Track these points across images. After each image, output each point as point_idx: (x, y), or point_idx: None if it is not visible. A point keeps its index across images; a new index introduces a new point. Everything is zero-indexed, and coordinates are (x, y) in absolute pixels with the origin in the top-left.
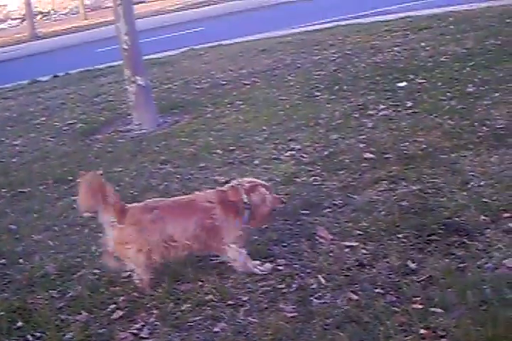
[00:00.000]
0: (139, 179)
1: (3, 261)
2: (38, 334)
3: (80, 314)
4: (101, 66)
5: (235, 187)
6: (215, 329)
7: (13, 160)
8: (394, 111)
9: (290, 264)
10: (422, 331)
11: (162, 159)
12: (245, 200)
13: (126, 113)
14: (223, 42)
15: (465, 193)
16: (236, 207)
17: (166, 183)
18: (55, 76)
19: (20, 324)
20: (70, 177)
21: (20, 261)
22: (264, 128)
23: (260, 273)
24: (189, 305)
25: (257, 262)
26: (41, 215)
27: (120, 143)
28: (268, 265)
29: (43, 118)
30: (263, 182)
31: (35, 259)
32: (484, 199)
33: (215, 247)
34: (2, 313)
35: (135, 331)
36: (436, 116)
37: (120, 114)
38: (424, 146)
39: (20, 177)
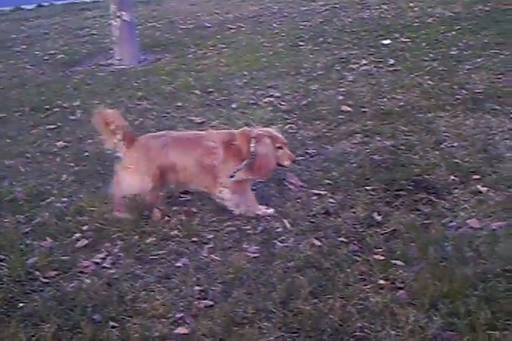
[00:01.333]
0: None
1: None
2: (2, 256)
3: (45, 240)
4: (87, 0)
5: (244, 133)
6: (177, 264)
7: None
8: (375, 67)
9: None
10: (381, 281)
11: (140, 95)
12: (251, 148)
13: (109, 47)
14: None
15: (437, 152)
16: (238, 152)
17: (141, 119)
18: (40, 5)
19: None
20: (47, 106)
21: None
22: (245, 73)
23: (261, 214)
24: (154, 239)
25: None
26: (15, 141)
27: (100, 77)
28: (270, 210)
29: (24, 46)
30: (277, 135)
31: (5, 184)
32: (456, 160)
33: (209, 186)
34: None
35: (98, 260)
36: (416, 76)
37: (102, 48)
38: (402, 104)
39: None
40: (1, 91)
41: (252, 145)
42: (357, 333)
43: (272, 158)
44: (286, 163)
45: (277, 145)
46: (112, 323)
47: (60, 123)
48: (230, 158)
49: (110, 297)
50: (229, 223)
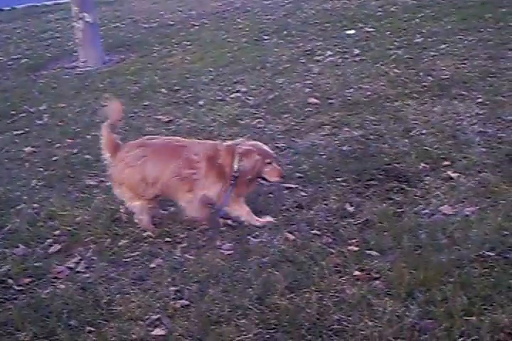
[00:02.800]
0: (83, 115)
1: None
2: None
3: (17, 247)
4: (48, 2)
5: (230, 149)
6: (152, 265)
7: None
8: (341, 58)
9: None
10: (357, 273)
11: (106, 96)
12: (235, 167)
13: (73, 50)
14: None
15: (406, 141)
16: (220, 170)
17: None
18: (0, 10)
19: None
20: (13, 112)
21: None
22: (211, 69)
23: (260, 224)
24: (126, 241)
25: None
26: None
27: (65, 80)
28: (268, 218)
29: None
30: (266, 150)
31: None
32: (425, 147)
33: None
34: None
35: (72, 265)
36: (382, 65)
37: (66, 50)
38: (369, 93)
39: None
40: None
41: (235, 162)
42: (335, 326)
43: (257, 175)
44: (275, 179)
45: (267, 161)
46: (88, 328)
47: (27, 129)
48: (211, 173)
49: (86, 301)
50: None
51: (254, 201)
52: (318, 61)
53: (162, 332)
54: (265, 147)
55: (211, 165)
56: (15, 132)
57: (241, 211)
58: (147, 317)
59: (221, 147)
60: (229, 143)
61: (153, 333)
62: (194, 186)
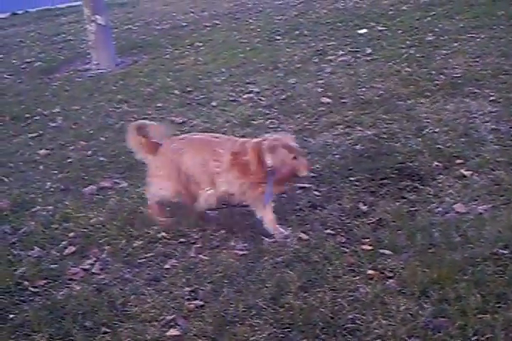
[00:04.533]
0: (96, 117)
1: None
2: None
3: (32, 249)
4: (61, 5)
5: (256, 145)
6: (166, 266)
7: None
8: (353, 57)
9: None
10: (370, 272)
11: (119, 98)
12: (268, 162)
13: (86, 52)
14: None
15: (419, 139)
16: (245, 167)
17: (122, 122)
18: (14, 14)
19: None
20: (27, 115)
21: None
22: (223, 70)
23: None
24: (141, 242)
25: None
26: None
27: (78, 82)
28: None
29: (1, 56)
30: (291, 144)
31: None
32: (438, 146)
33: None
34: None
35: (87, 266)
36: (394, 64)
37: (79, 53)
38: (381, 92)
39: None
40: None
41: (267, 159)
42: (349, 325)
43: (288, 170)
44: (303, 173)
45: (291, 155)
46: (103, 329)
47: (41, 131)
48: (234, 168)
49: (101, 303)
50: (216, 221)
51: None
52: (330, 61)
53: (177, 333)
54: (291, 140)
55: (235, 160)
56: (29, 135)
57: (266, 216)
58: (162, 317)
59: (249, 144)
60: (258, 139)
61: (168, 334)
62: (215, 179)
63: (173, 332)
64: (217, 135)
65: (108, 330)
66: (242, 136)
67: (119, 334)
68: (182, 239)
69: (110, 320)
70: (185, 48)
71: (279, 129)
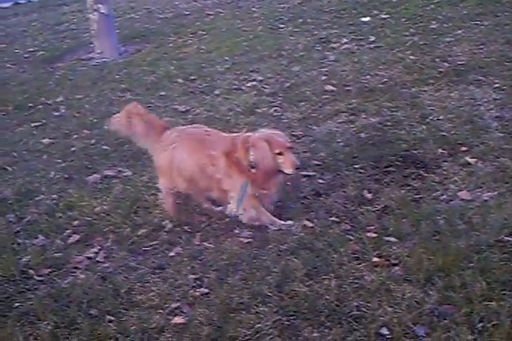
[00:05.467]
0: (99, 106)
1: None
2: None
3: (37, 238)
4: None
5: (244, 140)
6: (171, 254)
7: None
8: (356, 45)
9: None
10: (375, 259)
11: (122, 87)
12: (250, 158)
13: (89, 41)
14: None
15: (424, 127)
16: (239, 166)
17: None
18: (16, 3)
19: None
20: (30, 104)
21: None
22: (226, 58)
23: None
24: (145, 230)
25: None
26: (0, 141)
27: (81, 71)
28: (289, 222)
29: (4, 45)
30: (276, 138)
31: None
32: (442, 133)
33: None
34: None
35: (91, 255)
36: (398, 51)
37: (82, 42)
38: (385, 80)
39: None
40: None
41: (250, 154)
42: (354, 312)
43: (269, 166)
44: (288, 170)
45: (276, 150)
46: (108, 317)
47: (44, 120)
48: (231, 170)
49: (105, 291)
50: (219, 209)
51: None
52: (333, 48)
53: (182, 320)
54: (278, 136)
55: (230, 160)
56: (33, 124)
57: (258, 214)
58: (167, 305)
59: (238, 140)
60: (246, 134)
61: (173, 321)
62: (220, 185)
63: (178, 319)
64: (209, 130)
65: (113, 318)
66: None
67: (124, 322)
68: (187, 227)
69: (115, 308)
70: (189, 37)
71: (283, 117)
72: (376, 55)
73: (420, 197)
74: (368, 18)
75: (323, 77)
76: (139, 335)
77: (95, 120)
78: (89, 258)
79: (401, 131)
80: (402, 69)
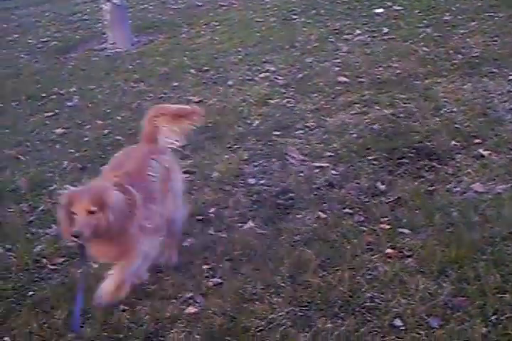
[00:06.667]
0: (112, 97)
1: None
2: (9, 246)
3: (50, 228)
4: None
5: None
6: (184, 244)
7: None
8: (369, 36)
9: (260, 183)
10: (389, 250)
11: (135, 78)
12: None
13: (101, 32)
14: None
15: (437, 119)
16: None
17: (138, 101)
18: None
19: None
20: (43, 94)
21: None
22: (239, 49)
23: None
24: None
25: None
26: (13, 131)
27: (94, 62)
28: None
29: (17, 35)
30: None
31: (6, 173)
32: (456, 125)
33: None
34: None
35: None
36: (411, 43)
37: (95, 33)
38: (399, 72)
39: None
40: None
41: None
42: (367, 303)
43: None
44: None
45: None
46: (122, 306)
47: (57, 110)
48: None
49: None
50: (232, 199)
51: (284, 180)
52: (347, 40)
53: (195, 310)
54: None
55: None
56: (46, 114)
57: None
58: (180, 295)
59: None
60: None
61: (186, 311)
62: None
63: (191, 309)
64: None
65: (126, 308)
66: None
67: (138, 311)
68: (200, 217)
69: (128, 298)
70: (201, 28)
71: (296, 108)
72: (389, 46)
73: (434, 189)
74: (381, 10)
75: (336, 69)
76: (153, 325)
77: (108, 110)
78: None
79: (414, 123)
80: (415, 61)
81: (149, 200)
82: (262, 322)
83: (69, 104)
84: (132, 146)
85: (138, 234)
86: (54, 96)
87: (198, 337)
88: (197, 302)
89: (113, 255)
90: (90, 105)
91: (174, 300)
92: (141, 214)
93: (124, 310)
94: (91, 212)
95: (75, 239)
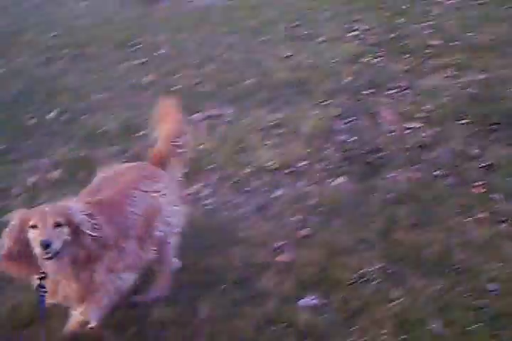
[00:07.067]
0: (201, 48)
1: (65, 116)
2: None
3: None
4: None
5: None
6: (273, 195)
7: (77, 22)
8: (463, 1)
9: (351, 141)
10: (482, 215)
11: (224, 30)
12: None
13: None
14: None
15: None
16: None
17: (228, 54)
18: None
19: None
20: (133, 42)
21: (82, 118)
22: (330, 7)
23: None
24: (248, 171)
25: None
26: (102, 76)
27: (183, 13)
28: None
29: None
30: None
31: (97, 117)
32: None
33: None
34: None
35: (194, 191)
36: (506, 9)
37: None
38: (492, 37)
39: (83, 39)
40: (86, 28)
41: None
42: (459, 265)
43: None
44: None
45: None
46: (213, 250)
47: (146, 59)
48: None
49: (209, 226)
50: (322, 154)
51: (374, 139)
52: (439, 2)
53: (286, 259)
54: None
55: None
56: (135, 61)
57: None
58: (270, 244)
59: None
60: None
61: (277, 259)
62: None
63: (282, 257)
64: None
65: (217, 252)
66: None
67: (230, 256)
68: (289, 170)
69: (218, 243)
70: None
71: (387, 68)
72: (483, 11)
73: None
74: None
75: (427, 31)
76: (243, 270)
77: (197, 61)
78: (193, 194)
79: (508, 90)
80: (509, 27)
81: (123, 238)
82: (354, 276)
83: (158, 52)
84: (126, 165)
85: (104, 275)
86: (143, 45)
87: (288, 285)
88: (287, 252)
89: (75, 296)
90: (179, 55)
91: (264, 248)
92: (110, 254)
93: (215, 254)
94: (58, 225)
95: (45, 252)
